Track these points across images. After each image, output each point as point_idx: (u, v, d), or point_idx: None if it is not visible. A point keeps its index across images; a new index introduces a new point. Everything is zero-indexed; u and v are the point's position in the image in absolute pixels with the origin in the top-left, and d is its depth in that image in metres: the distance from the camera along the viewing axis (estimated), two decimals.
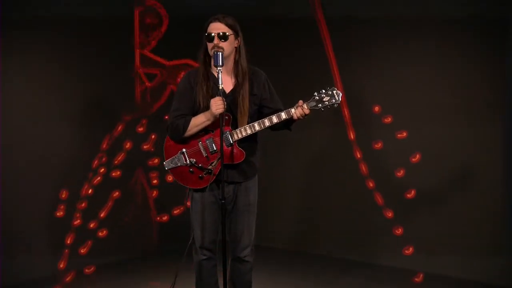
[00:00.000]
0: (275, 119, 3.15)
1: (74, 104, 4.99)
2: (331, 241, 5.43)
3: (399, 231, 5.00)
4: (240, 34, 3.24)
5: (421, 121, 4.85)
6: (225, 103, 3.07)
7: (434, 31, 4.75)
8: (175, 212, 5.74)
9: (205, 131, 3.23)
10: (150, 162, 5.57)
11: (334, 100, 3.14)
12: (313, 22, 5.40)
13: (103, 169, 5.21)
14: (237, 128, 3.18)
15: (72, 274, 4.81)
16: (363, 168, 5.20)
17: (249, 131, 3.16)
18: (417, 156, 4.88)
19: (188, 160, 3.23)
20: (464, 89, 4.65)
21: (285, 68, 5.51)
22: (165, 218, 5.71)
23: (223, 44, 3.15)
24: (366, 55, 5.13)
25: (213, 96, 3.15)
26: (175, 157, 3.26)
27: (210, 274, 3.37)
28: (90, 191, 5.11)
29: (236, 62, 3.26)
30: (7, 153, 4.54)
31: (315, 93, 3.15)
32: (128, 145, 5.39)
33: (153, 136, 5.55)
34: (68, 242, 4.96)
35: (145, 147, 5.54)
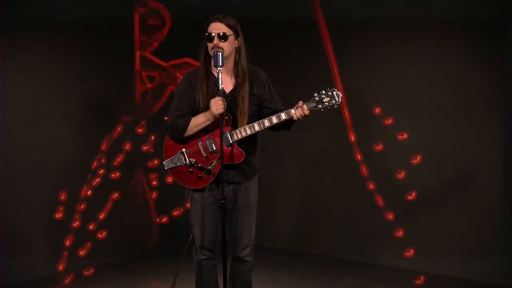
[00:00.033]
0: (275, 120, 3.15)
1: (74, 104, 4.99)
2: (331, 241, 5.43)
3: (399, 233, 5.00)
4: (240, 34, 3.23)
5: (421, 122, 4.85)
6: (225, 103, 3.07)
7: (434, 31, 4.75)
8: (174, 213, 5.73)
9: (204, 131, 3.23)
10: (150, 163, 5.56)
11: (334, 101, 3.14)
12: (313, 22, 5.40)
13: (102, 171, 5.20)
14: (237, 128, 3.18)
15: (71, 276, 4.80)
16: (364, 170, 5.20)
17: (248, 132, 3.16)
18: (418, 157, 4.88)
19: (187, 160, 3.23)
20: (464, 89, 4.65)
21: (285, 68, 5.51)
22: (164, 219, 5.70)
23: (223, 44, 3.15)
24: (366, 55, 5.13)
25: (213, 96, 3.15)
26: (175, 157, 3.26)
27: (210, 274, 3.37)
28: (89, 192, 5.10)
29: (236, 62, 3.26)
30: (7, 153, 4.54)
31: (315, 94, 3.15)
32: (127, 146, 5.38)
33: (152, 137, 5.55)
34: (67, 244, 4.95)
35: (144, 148, 5.53)
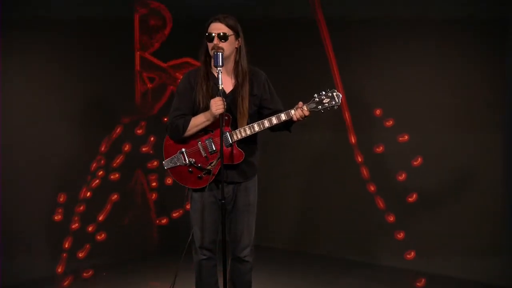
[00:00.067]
0: (274, 120, 3.15)
1: (74, 104, 4.99)
2: (331, 241, 5.43)
3: (400, 235, 4.99)
4: (241, 34, 3.23)
5: (422, 123, 4.84)
6: (225, 103, 3.07)
7: (434, 31, 4.75)
8: (174, 215, 5.72)
9: (204, 131, 3.23)
10: (149, 165, 5.55)
11: (334, 102, 3.13)
12: (313, 22, 5.40)
13: (101, 172, 5.19)
14: (237, 128, 3.18)
15: (70, 278, 4.79)
16: (364, 172, 5.19)
17: (248, 132, 3.16)
18: (419, 159, 4.87)
19: (187, 160, 3.23)
20: (464, 89, 4.65)
21: (285, 68, 5.51)
22: (164, 221, 5.69)
23: (223, 44, 3.15)
24: (366, 55, 5.13)
25: (213, 96, 3.15)
26: (174, 156, 3.26)
27: (210, 274, 3.37)
28: (88, 194, 5.09)
29: (237, 63, 3.26)
30: (7, 153, 4.54)
31: (315, 95, 3.15)
32: (127, 147, 5.37)
33: (152, 138, 5.54)
34: (67, 246, 4.95)
35: (144, 149, 5.52)
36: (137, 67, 5.47)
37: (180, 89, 3.31)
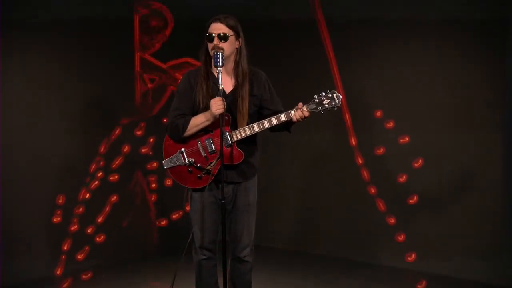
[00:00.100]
0: (274, 121, 3.14)
1: (74, 104, 4.99)
2: (331, 241, 5.43)
3: (401, 237, 4.99)
4: (241, 35, 3.23)
5: (422, 124, 4.84)
6: (225, 103, 3.07)
7: (434, 31, 4.75)
8: (174, 216, 5.70)
9: (204, 131, 3.23)
10: (149, 166, 5.54)
11: (334, 103, 3.13)
12: (313, 22, 5.40)
13: (101, 173, 5.18)
14: (236, 128, 3.18)
15: (69, 280, 4.77)
16: (365, 174, 5.19)
17: (248, 132, 3.16)
18: (420, 161, 4.87)
19: (186, 160, 3.23)
20: (464, 89, 4.65)
21: (285, 68, 5.51)
22: (163, 222, 5.68)
23: (223, 44, 3.15)
24: (366, 55, 5.13)
25: (213, 96, 3.15)
26: (174, 156, 3.26)
27: (210, 274, 3.37)
28: (87, 195, 5.08)
29: (237, 63, 3.25)
30: (7, 153, 4.54)
31: (315, 96, 3.14)
32: (126, 148, 5.36)
33: (151, 140, 5.53)
34: (65, 248, 4.94)
35: (143, 150, 5.51)
36: (137, 68, 5.47)
37: (180, 89, 3.31)
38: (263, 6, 5.65)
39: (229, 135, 3.17)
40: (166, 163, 3.28)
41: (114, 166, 5.28)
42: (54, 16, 4.77)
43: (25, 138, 4.67)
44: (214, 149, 3.21)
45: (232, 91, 3.25)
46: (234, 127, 3.19)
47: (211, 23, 3.20)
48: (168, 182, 5.57)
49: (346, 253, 5.30)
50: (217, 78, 3.07)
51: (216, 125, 3.15)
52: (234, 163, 3.21)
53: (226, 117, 3.14)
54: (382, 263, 5.07)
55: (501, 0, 4.46)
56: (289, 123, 3.18)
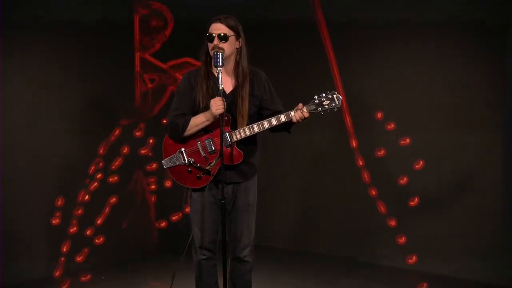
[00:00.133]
0: (274, 122, 3.14)
1: (74, 104, 4.99)
2: (331, 240, 5.43)
3: (402, 239, 4.98)
4: (241, 35, 3.23)
5: (422, 124, 4.84)
6: (225, 103, 3.07)
7: (434, 31, 4.75)
8: (173, 218, 5.69)
9: (204, 131, 3.23)
10: (148, 167, 5.53)
11: (334, 104, 3.13)
12: (313, 23, 5.40)
13: (100, 175, 5.17)
14: (236, 129, 3.18)
15: (68, 282, 4.76)
16: (365, 176, 5.19)
17: (248, 133, 3.16)
18: (421, 162, 4.86)
19: (186, 160, 3.23)
20: (464, 89, 4.65)
21: (285, 68, 5.51)
22: (163, 224, 5.67)
23: (223, 45, 3.15)
24: (366, 55, 5.13)
25: (213, 96, 3.15)
26: (174, 156, 3.26)
27: (210, 274, 3.37)
28: (87, 197, 5.08)
29: (237, 63, 3.25)
30: (7, 153, 4.54)
31: (315, 97, 3.14)
32: (125, 149, 5.35)
33: (151, 141, 5.52)
34: (65, 250, 4.93)
35: (142, 151, 5.50)
36: (137, 68, 5.46)
37: (180, 88, 3.31)
38: (263, 6, 5.65)
39: (229, 135, 3.17)
40: (165, 162, 3.28)
41: (113, 167, 5.27)
42: (54, 16, 4.77)
43: (25, 138, 4.66)
44: (213, 149, 3.21)
45: (232, 91, 3.25)
46: (234, 127, 3.19)
47: (211, 23, 3.20)
48: (168, 183, 5.56)
49: (346, 253, 5.30)
50: (217, 78, 3.08)
51: (216, 125, 3.15)
52: (234, 163, 3.20)
53: (226, 117, 3.14)
54: (382, 263, 5.07)
55: (501, 0, 4.46)
56: (289, 123, 3.18)
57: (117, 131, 5.30)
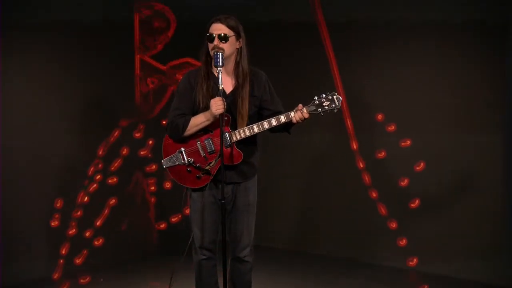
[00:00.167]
0: (274, 122, 3.14)
1: (74, 104, 4.99)
2: (331, 241, 5.43)
3: (403, 241, 4.98)
4: (242, 35, 3.23)
5: (422, 125, 4.84)
6: (225, 103, 3.07)
7: (434, 31, 4.75)
8: (173, 219, 5.67)
9: (204, 131, 3.23)
10: (148, 168, 5.52)
11: (334, 105, 3.13)
12: (313, 23, 5.40)
13: (99, 176, 5.16)
14: (236, 129, 3.18)
15: (67, 284, 4.76)
16: (366, 178, 5.19)
17: (247, 133, 3.16)
18: (421, 164, 4.86)
19: (186, 159, 3.23)
20: (464, 89, 4.65)
21: (285, 68, 5.51)
22: (162, 225, 5.65)
23: (223, 45, 3.15)
24: (366, 55, 5.13)
25: (213, 96, 3.15)
26: (173, 155, 3.26)
27: (210, 274, 3.37)
28: (86, 198, 5.07)
29: (237, 63, 3.25)
30: (7, 153, 4.54)
31: (315, 97, 3.14)
32: (125, 151, 5.35)
33: (150, 142, 5.50)
34: (64, 251, 4.92)
35: (142, 153, 5.49)
36: (137, 70, 5.46)
37: (180, 88, 3.31)
38: (263, 6, 5.65)
39: (229, 135, 3.17)
40: (165, 162, 3.28)
41: (112, 168, 5.26)
42: (54, 16, 4.77)
43: (25, 138, 4.66)
44: (213, 149, 3.21)
45: (232, 91, 3.25)
46: (234, 127, 3.19)
47: (211, 23, 3.20)
48: (167, 185, 5.55)
49: (346, 253, 5.29)
50: (217, 78, 3.07)
51: (215, 125, 3.15)
52: (234, 164, 3.20)
53: (226, 118, 3.14)
54: (382, 263, 5.07)
55: (501, 0, 4.46)
56: (288, 124, 3.17)
57: (116, 132, 5.28)
